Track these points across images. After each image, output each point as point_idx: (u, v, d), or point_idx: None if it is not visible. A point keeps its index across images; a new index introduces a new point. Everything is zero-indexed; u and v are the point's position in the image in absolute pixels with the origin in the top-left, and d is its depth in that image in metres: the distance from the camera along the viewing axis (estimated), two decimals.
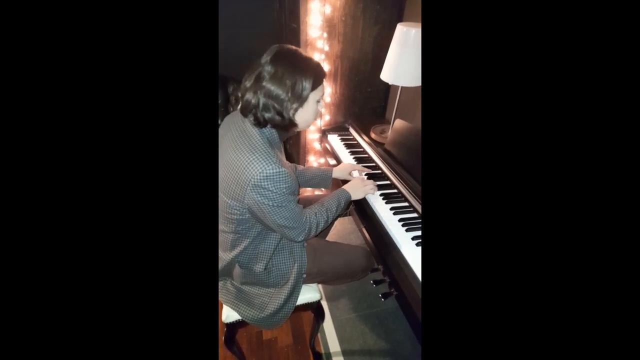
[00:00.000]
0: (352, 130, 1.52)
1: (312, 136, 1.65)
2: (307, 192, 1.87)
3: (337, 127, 1.60)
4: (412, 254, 0.86)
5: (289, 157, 1.89)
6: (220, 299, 0.94)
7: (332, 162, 1.40)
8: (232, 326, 0.96)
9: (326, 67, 1.45)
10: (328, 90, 1.53)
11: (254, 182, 0.72)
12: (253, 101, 0.75)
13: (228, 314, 0.93)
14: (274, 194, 0.74)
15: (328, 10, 1.31)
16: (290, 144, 1.93)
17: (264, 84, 0.73)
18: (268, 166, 0.71)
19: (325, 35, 1.37)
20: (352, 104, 1.61)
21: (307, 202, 1.16)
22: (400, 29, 1.09)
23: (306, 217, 0.85)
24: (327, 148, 1.49)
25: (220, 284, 0.95)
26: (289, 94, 0.74)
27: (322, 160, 1.73)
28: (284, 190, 0.75)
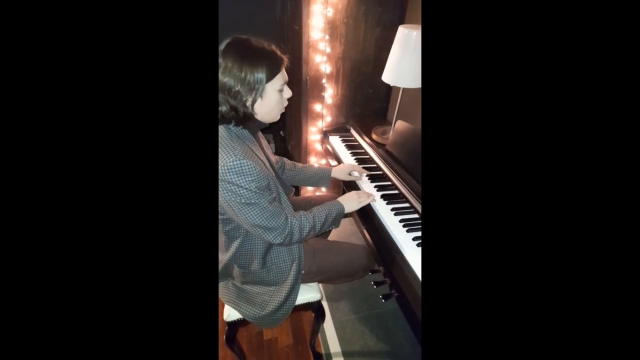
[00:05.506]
0: (353, 132, 1.53)
1: (313, 137, 1.66)
2: (308, 192, 1.87)
3: (339, 128, 1.61)
4: (413, 255, 0.86)
5: (290, 158, 1.89)
6: (221, 298, 0.94)
7: (334, 163, 1.41)
8: (233, 325, 0.96)
9: (328, 68, 1.46)
10: (329, 91, 1.53)
11: (220, 177, 0.71)
12: None
13: (229, 313, 0.93)
14: (241, 189, 0.71)
15: (330, 12, 1.32)
16: (292, 144, 1.94)
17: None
18: (229, 158, 0.69)
19: (327, 37, 1.38)
20: (353, 105, 1.62)
21: (308, 203, 1.17)
22: (402, 30, 1.10)
23: (288, 219, 0.81)
24: (328, 149, 1.50)
25: (222, 284, 0.95)
26: (241, 86, 0.71)
27: (324, 162, 1.74)
28: (252, 184, 0.71)
